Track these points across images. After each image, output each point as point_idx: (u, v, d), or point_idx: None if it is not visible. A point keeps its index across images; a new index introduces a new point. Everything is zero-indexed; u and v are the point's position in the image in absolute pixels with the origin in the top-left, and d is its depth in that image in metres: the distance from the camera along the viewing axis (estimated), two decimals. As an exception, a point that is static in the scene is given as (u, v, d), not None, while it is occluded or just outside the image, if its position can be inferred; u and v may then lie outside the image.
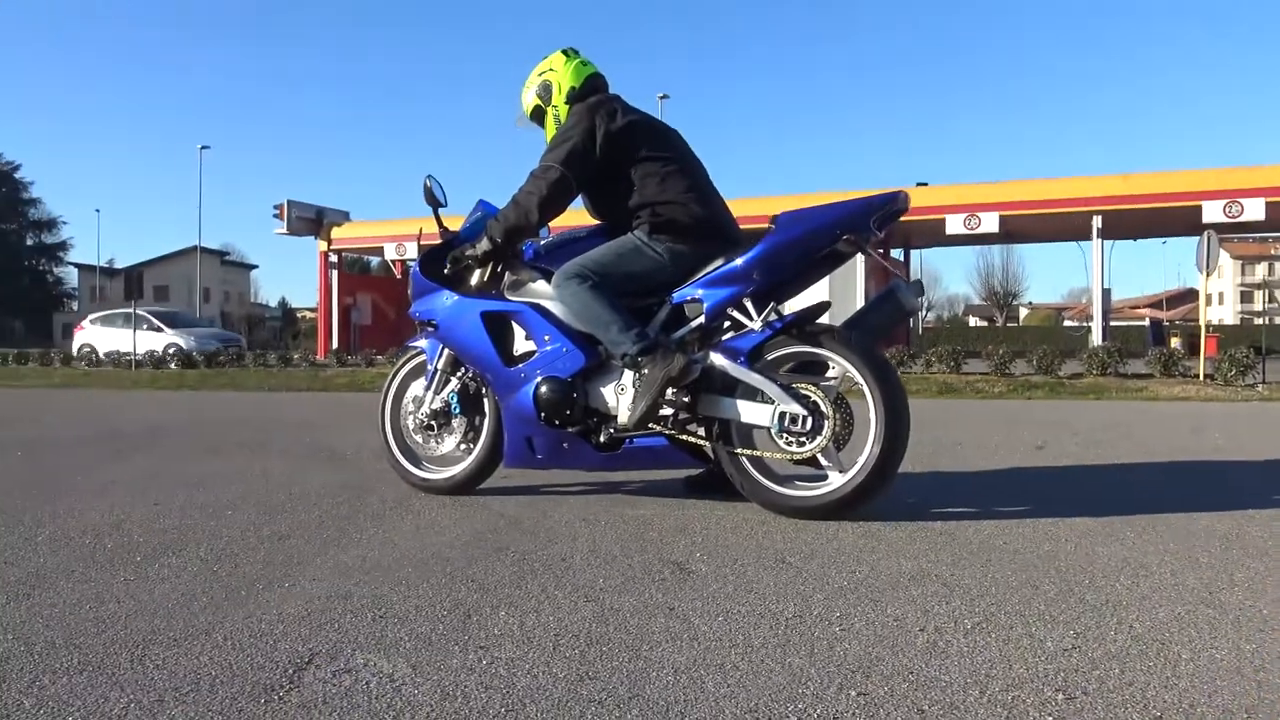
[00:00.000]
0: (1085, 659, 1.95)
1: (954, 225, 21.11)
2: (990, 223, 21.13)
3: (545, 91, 3.86)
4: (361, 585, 2.55)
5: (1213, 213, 19.12)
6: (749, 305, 3.46)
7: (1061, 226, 24.21)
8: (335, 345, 27.89)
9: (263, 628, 2.18)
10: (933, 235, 24.23)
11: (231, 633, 2.14)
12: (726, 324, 3.57)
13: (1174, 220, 21.99)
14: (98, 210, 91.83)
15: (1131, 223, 23.07)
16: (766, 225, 3.47)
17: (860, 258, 3.65)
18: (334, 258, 31.76)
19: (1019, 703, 1.72)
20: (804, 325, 3.44)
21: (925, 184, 23.01)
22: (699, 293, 3.51)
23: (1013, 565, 2.74)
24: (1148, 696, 1.74)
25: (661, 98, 38.49)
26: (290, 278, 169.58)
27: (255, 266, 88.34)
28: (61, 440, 6.40)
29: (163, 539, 3.16)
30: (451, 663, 1.94)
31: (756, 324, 3.44)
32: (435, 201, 4.02)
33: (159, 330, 25.23)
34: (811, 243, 3.43)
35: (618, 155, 3.59)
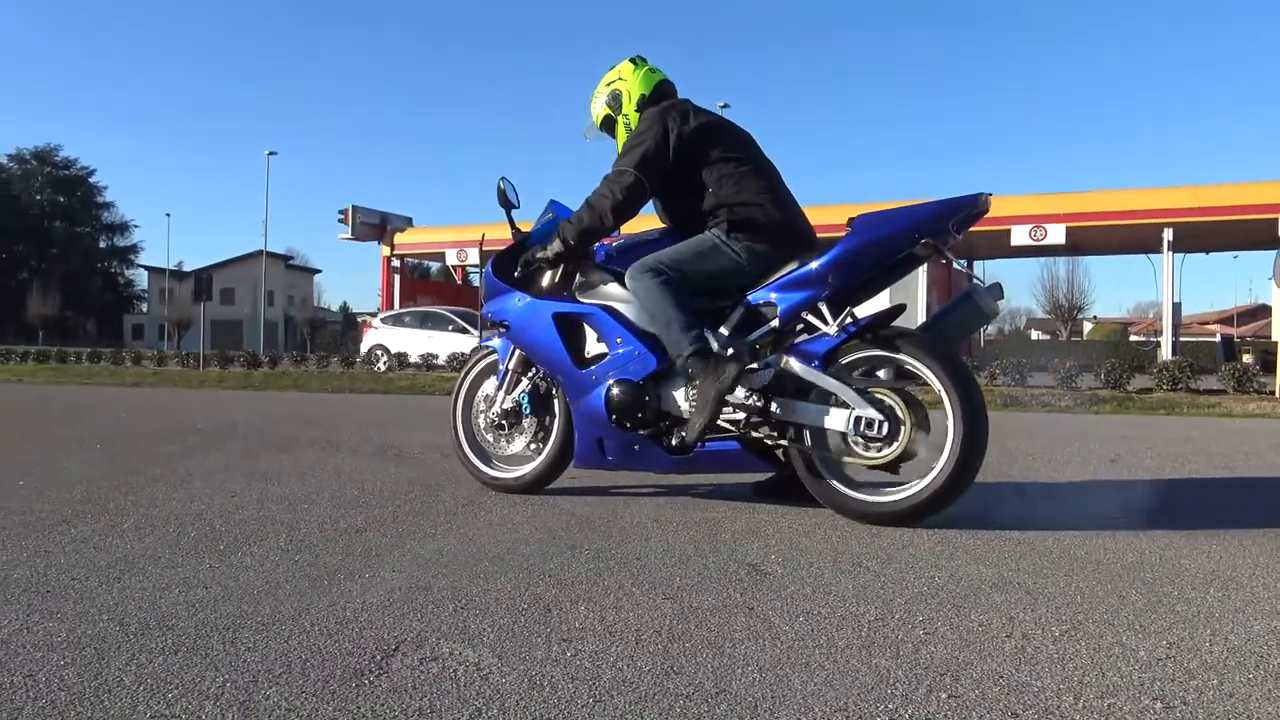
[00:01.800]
0: (1181, 669, 1.90)
1: (1019, 236, 20.82)
2: (1057, 234, 20.80)
3: (615, 100, 3.87)
4: (440, 578, 2.58)
5: (1289, 226, 18.63)
6: (824, 309, 3.42)
7: (1130, 239, 23.70)
8: (396, 349, 28.21)
9: (348, 615, 2.21)
10: (997, 246, 23.88)
11: (318, 619, 2.17)
12: (800, 327, 3.54)
13: (1248, 233, 21.44)
14: (168, 214, 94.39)
15: (1204, 235, 22.53)
16: (842, 229, 3.44)
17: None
18: (396, 263, 32.18)
19: (1116, 710, 1.68)
20: (879, 329, 3.40)
21: (989, 194, 22.68)
22: (773, 295, 3.49)
23: (1096, 575, 2.68)
24: (1250, 708, 1.69)
25: (722, 106, 38.49)
26: (352, 283, 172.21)
27: (319, 271, 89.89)
28: (137, 434, 6.56)
29: (243, 529, 3.23)
30: (536, 654, 1.95)
31: (832, 328, 3.39)
32: (509, 203, 4.05)
33: (464, 332, 22.22)
34: (889, 246, 3.38)
35: (691, 157, 3.59)
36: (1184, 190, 20.40)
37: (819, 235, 3.66)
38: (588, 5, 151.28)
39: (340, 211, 31.81)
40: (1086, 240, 24.13)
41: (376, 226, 32.22)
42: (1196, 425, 8.87)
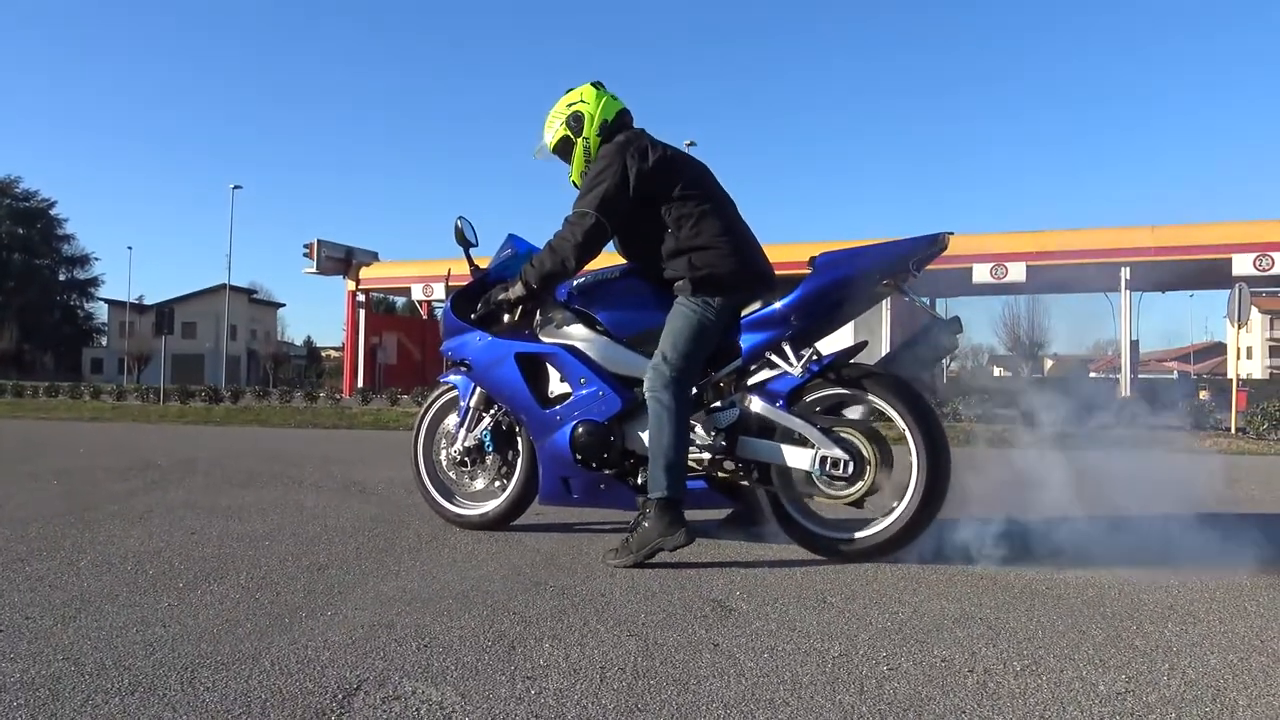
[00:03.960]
0: (1140, 703, 1.92)
1: (980, 274, 21.12)
2: (1017, 272, 21.12)
3: (576, 122, 3.80)
4: (404, 615, 2.56)
5: (1243, 266, 19.06)
6: (787, 349, 3.45)
7: (1089, 278, 24.15)
8: (361, 384, 28.04)
9: (309, 654, 2.19)
10: (959, 284, 24.23)
11: (278, 658, 2.15)
12: (764, 366, 3.56)
13: (1203, 273, 21.89)
14: (129, 247, 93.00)
15: (1160, 275, 22.99)
16: (805, 268, 3.47)
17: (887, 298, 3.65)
18: (361, 297, 32.03)
19: (1076, 744, 1.70)
20: (842, 368, 3.43)
21: (951, 233, 23.04)
22: (739, 334, 3.52)
23: (1057, 610, 2.71)
24: (1207, 742, 1.72)
25: (688, 145, 38.81)
26: (316, 317, 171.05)
27: (283, 305, 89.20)
28: (95, 470, 6.46)
29: (203, 566, 3.18)
30: (500, 692, 1.94)
31: (796, 368, 3.42)
32: (466, 242, 4.09)
33: None
34: (851, 286, 3.42)
35: (650, 195, 3.56)
36: (1141, 230, 20.85)
37: (781, 274, 3.68)
38: (558, 40, 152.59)
39: (305, 245, 31.66)
40: (1046, 279, 24.57)
41: (342, 260, 32.08)
42: (1155, 461, 8.97)
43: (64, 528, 3.94)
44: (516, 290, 3.72)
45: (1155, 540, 3.60)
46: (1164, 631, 2.49)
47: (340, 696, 1.90)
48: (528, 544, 3.65)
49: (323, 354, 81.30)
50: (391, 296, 46.17)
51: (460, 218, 4.08)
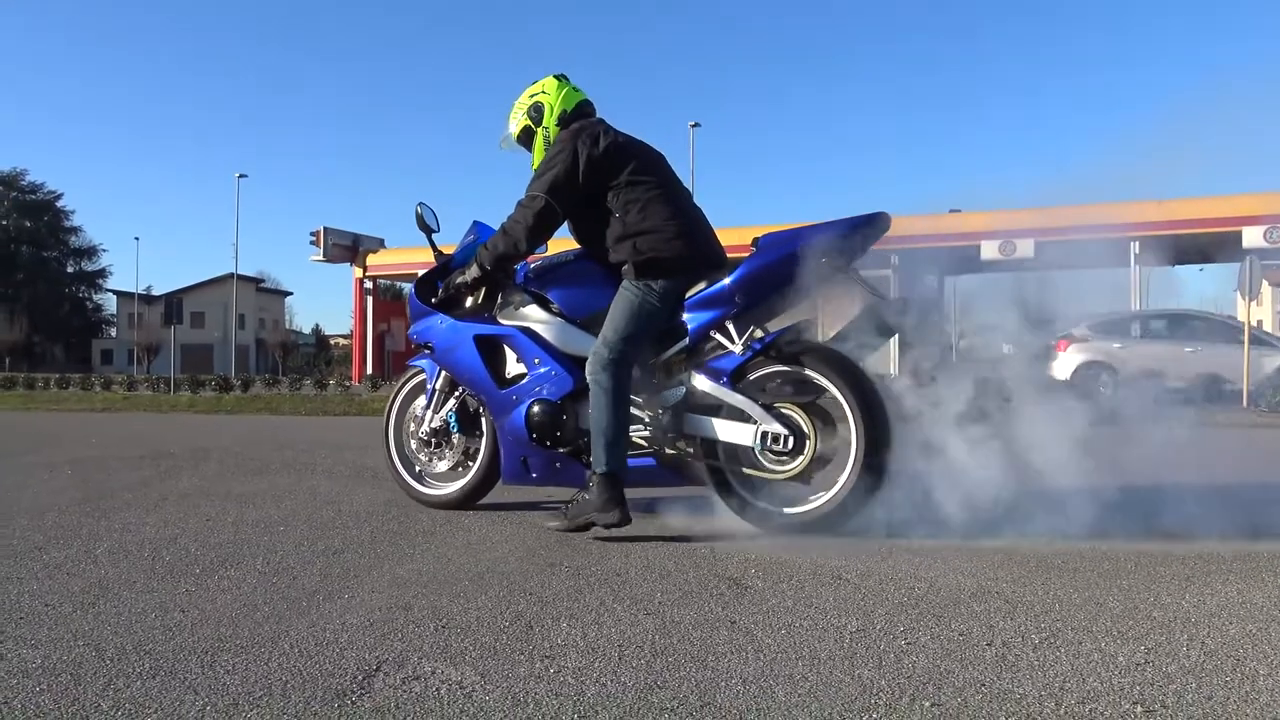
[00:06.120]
0: (1160, 673, 1.92)
1: (989, 251, 21.01)
2: (1026, 248, 21.01)
3: (537, 113, 3.88)
4: (420, 597, 2.56)
5: (1253, 238, 18.94)
6: (730, 328, 3.51)
7: (1098, 252, 23.99)
8: (370, 370, 28.08)
9: (328, 636, 2.20)
10: (967, 262, 24.13)
11: (297, 641, 2.16)
12: (711, 345, 3.60)
13: (1212, 246, 21.77)
14: (137, 238, 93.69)
15: (1169, 249, 22.86)
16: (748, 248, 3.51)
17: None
18: (369, 284, 32.04)
19: (1097, 715, 1.70)
20: (783, 345, 3.48)
21: (958, 210, 22.97)
22: (684, 315, 3.57)
23: (1074, 582, 2.71)
24: (1229, 711, 1.71)
25: (693, 125, 38.68)
26: (323, 305, 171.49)
27: (290, 294, 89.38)
28: (108, 460, 6.48)
29: (219, 552, 3.19)
30: (519, 671, 1.95)
31: (737, 346, 3.47)
32: (427, 228, 4.20)
33: (1261, 344, 15.13)
34: (792, 265, 3.44)
35: (600, 180, 3.61)
36: (1149, 204, 20.71)
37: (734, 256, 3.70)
38: (560, 29, 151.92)
39: (312, 233, 31.70)
40: (1056, 255, 24.42)
41: (349, 248, 32.10)
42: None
43: (80, 516, 3.96)
44: (472, 272, 3.82)
45: (1167, 511, 3.59)
46: (1181, 602, 2.49)
47: (360, 678, 1.90)
48: (540, 525, 3.65)
49: (331, 341, 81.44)
50: (399, 283, 46.16)
51: (420, 204, 4.18)
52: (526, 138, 3.94)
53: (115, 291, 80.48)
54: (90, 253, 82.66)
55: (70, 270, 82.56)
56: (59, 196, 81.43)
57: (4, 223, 79.07)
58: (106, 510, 4.13)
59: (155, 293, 72.41)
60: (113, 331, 79.25)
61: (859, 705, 1.75)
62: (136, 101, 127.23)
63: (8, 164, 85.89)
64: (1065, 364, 15.97)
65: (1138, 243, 20.71)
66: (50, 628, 2.28)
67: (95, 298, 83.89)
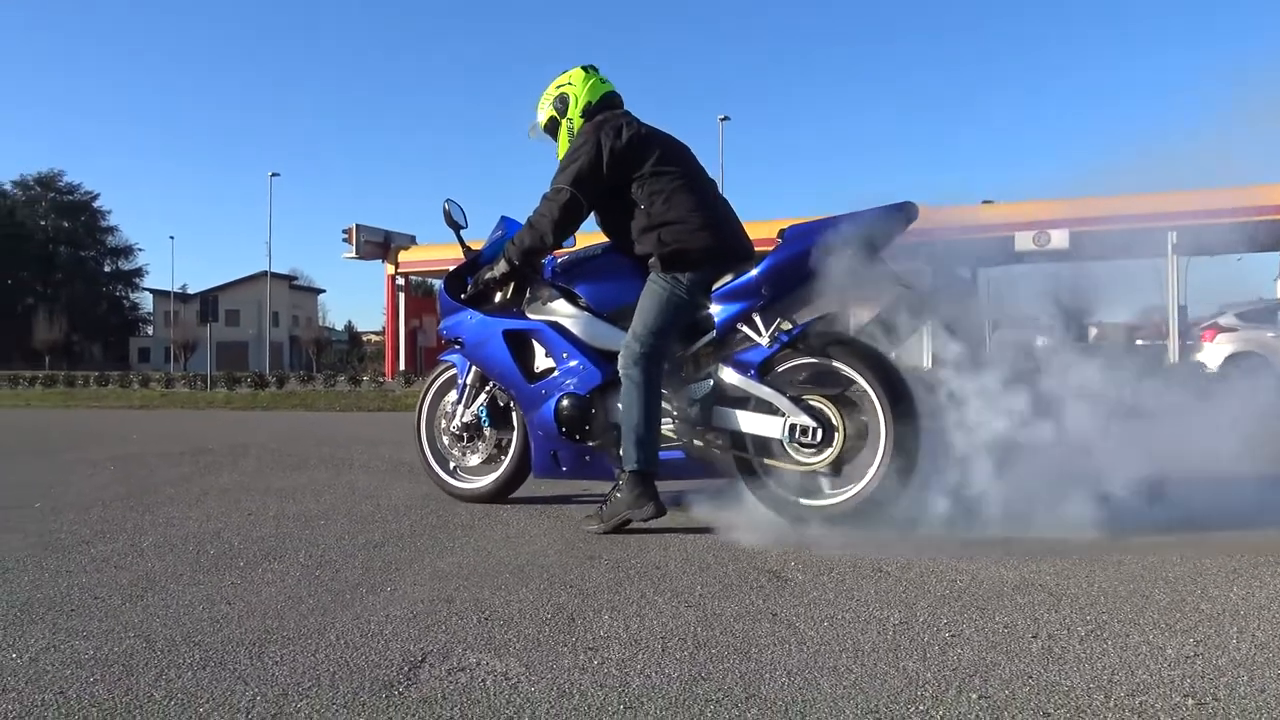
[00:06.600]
0: (1210, 666, 1.90)
1: (1022, 242, 20.80)
2: (1060, 239, 20.78)
3: (562, 104, 3.89)
4: (462, 590, 2.58)
5: (1298, 226, 18.60)
6: (758, 320, 3.49)
7: (1135, 243, 23.69)
8: (402, 366, 28.23)
9: (372, 628, 2.22)
10: (1001, 253, 23.89)
11: (343, 632, 2.18)
12: (739, 337, 3.58)
13: (1254, 235, 21.39)
14: (172, 237, 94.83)
15: (1209, 238, 22.49)
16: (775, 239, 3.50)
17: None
18: (401, 281, 32.21)
19: (1148, 708, 1.68)
20: (810, 337, 3.46)
21: (990, 201, 22.73)
22: (711, 307, 3.56)
23: (1118, 575, 2.68)
24: (1282, 703, 1.69)
25: (722, 119, 38.60)
26: (356, 302, 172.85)
27: (323, 291, 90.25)
28: (149, 456, 6.57)
29: (262, 546, 3.23)
30: (563, 662, 1.96)
31: (764, 339, 3.46)
32: (455, 224, 4.22)
33: None
34: (819, 256, 3.41)
35: (624, 172, 3.61)
36: (1189, 193, 20.40)
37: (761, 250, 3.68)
38: (597, 25, 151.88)
39: (344, 230, 31.90)
40: (1091, 245, 24.13)
41: (380, 245, 32.28)
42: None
43: (124, 511, 4.02)
44: (500, 268, 3.83)
45: (1210, 503, 3.54)
46: (1229, 595, 2.46)
47: (406, 669, 1.92)
48: (578, 519, 3.66)
49: (364, 338, 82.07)
50: (430, 279, 46.41)
51: (448, 200, 4.20)
52: (553, 128, 3.96)
53: (151, 290, 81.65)
54: (127, 252, 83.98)
55: (107, 270, 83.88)
56: (95, 197, 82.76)
57: (42, 223, 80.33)
58: (150, 505, 4.19)
59: (190, 291, 73.34)
60: (149, 330, 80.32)
61: (905, 697, 1.74)
62: (170, 102, 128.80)
63: (46, 166, 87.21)
64: (1214, 354, 16.08)
65: (1175, 232, 20.44)
66: (100, 620, 2.31)
67: (132, 296, 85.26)
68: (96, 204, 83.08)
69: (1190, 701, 1.70)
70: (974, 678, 1.84)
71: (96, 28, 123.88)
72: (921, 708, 1.69)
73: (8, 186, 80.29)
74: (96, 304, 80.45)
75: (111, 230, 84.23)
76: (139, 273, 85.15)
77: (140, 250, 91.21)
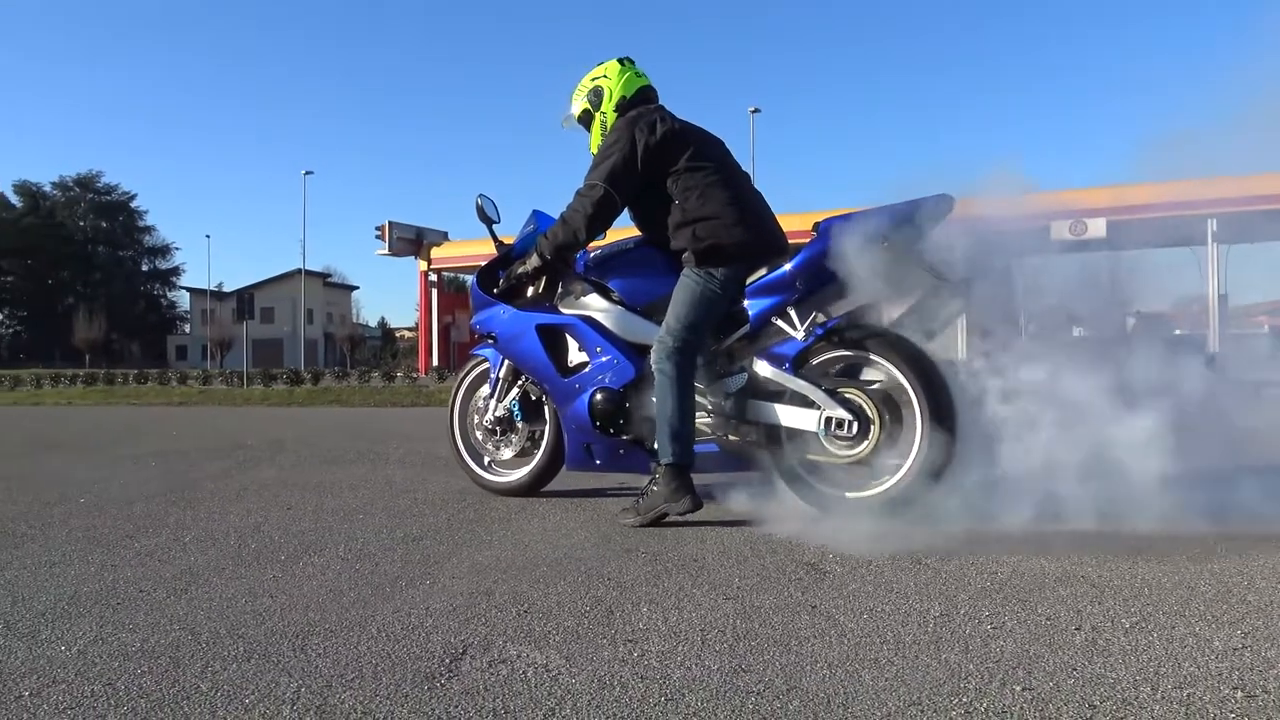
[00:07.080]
0: (1259, 658, 1.87)
1: (1058, 231, 20.56)
2: (1097, 228, 20.53)
3: (596, 97, 3.88)
4: (501, 583, 2.59)
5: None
6: (792, 313, 3.47)
7: (1174, 231, 23.34)
8: (436, 362, 28.39)
9: (413, 621, 2.23)
10: (1036, 243, 23.63)
11: (384, 625, 2.20)
12: (773, 331, 3.56)
13: (1296, 222, 21.02)
14: (208, 236, 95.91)
15: (1250, 226, 22.13)
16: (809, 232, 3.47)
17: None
18: (433, 277, 32.38)
19: (1196, 700, 1.66)
20: (846, 330, 3.44)
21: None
22: (745, 301, 3.55)
23: (1162, 567, 2.64)
24: (1334, 696, 1.66)
25: (753, 111, 38.46)
26: (389, 298, 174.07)
27: (356, 288, 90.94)
28: (189, 452, 6.66)
29: (302, 540, 3.26)
30: (603, 655, 1.96)
31: (799, 332, 3.44)
32: (488, 219, 4.24)
33: None
34: (853, 248, 3.37)
35: (658, 167, 3.59)
36: (1229, 180, 20.07)
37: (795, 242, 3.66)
38: (625, 22, 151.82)
39: (377, 228, 32.13)
40: (1128, 234, 23.80)
41: (413, 241, 32.48)
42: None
43: (166, 506, 4.08)
44: (532, 262, 3.82)
45: (1252, 497, 3.48)
46: (1278, 587, 2.42)
47: (448, 661, 1.93)
48: (614, 512, 3.67)
49: (397, 334, 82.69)
50: (462, 275, 46.63)
51: (481, 195, 4.22)
52: (586, 120, 3.96)
53: (188, 289, 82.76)
54: (164, 251, 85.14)
55: (145, 269, 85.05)
56: (133, 197, 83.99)
57: (81, 224, 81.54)
58: (191, 500, 4.25)
59: (226, 289, 74.18)
60: (186, 328, 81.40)
61: (948, 689, 1.73)
62: (206, 102, 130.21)
63: (84, 167, 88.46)
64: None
65: (1214, 220, 20.12)
66: (146, 612, 2.35)
67: (169, 295, 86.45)
68: (134, 204, 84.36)
69: (1239, 694, 1.68)
70: (1017, 670, 1.82)
71: (134, 30, 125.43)
72: (964, 700, 1.67)
73: (47, 188, 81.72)
74: (135, 303, 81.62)
75: (149, 230, 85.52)
76: (176, 271, 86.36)
77: (177, 249, 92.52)
